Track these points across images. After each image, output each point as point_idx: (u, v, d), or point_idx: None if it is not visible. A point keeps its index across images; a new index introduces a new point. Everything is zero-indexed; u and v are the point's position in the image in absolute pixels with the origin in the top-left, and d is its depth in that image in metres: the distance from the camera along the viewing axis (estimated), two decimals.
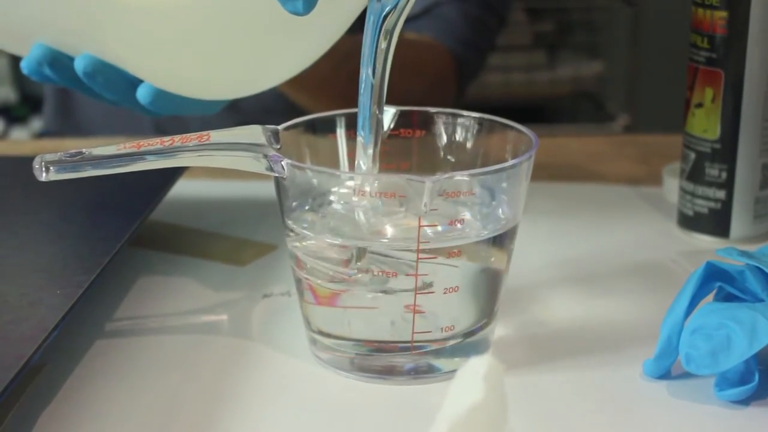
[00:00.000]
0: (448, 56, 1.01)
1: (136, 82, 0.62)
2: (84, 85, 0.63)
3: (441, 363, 0.51)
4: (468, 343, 0.52)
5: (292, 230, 0.51)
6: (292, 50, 0.62)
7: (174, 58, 0.60)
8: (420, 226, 0.47)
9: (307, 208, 0.52)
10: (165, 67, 0.61)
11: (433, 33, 1.01)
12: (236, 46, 0.60)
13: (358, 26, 0.54)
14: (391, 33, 0.51)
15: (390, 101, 0.56)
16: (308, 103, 0.94)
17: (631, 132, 2.27)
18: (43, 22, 0.61)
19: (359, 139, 0.52)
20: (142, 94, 0.61)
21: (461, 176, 0.50)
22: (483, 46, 1.06)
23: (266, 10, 0.55)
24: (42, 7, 0.60)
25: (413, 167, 0.57)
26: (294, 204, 0.51)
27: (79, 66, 0.60)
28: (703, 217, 0.69)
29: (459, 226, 0.49)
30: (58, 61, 0.62)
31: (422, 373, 0.51)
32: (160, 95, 0.61)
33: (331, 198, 0.52)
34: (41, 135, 1.35)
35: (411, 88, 0.99)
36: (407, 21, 0.49)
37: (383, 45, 0.51)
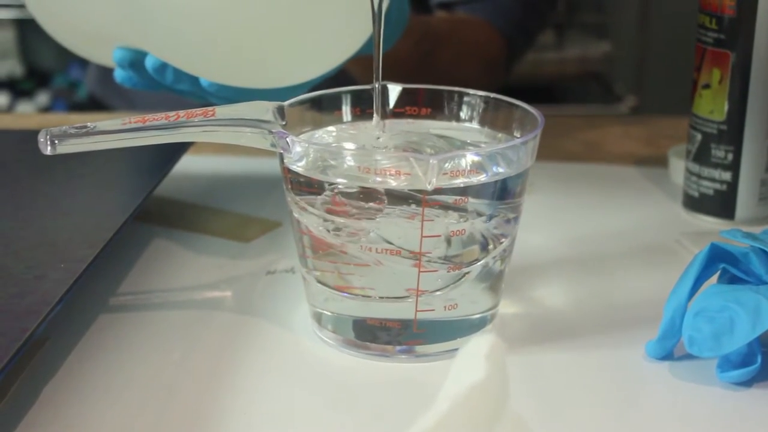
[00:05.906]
0: (500, 38, 1.02)
1: None
2: (162, 85, 0.64)
3: (443, 342, 0.51)
4: (470, 321, 0.52)
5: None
6: (339, 33, 0.62)
7: (214, 50, 0.60)
8: (424, 206, 0.47)
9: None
10: (208, 60, 0.61)
11: (485, 15, 1.01)
12: (278, 31, 0.60)
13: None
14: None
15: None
16: None
17: (638, 113, 2.26)
18: (114, 26, 0.62)
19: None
20: (204, 80, 0.62)
21: (466, 154, 0.50)
22: (533, 28, 1.06)
23: None
24: (108, 13, 0.61)
25: (418, 145, 0.57)
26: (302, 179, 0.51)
27: (149, 63, 0.62)
28: (708, 198, 0.69)
29: (463, 204, 0.49)
30: (137, 61, 0.63)
31: (424, 351, 0.51)
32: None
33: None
34: (74, 106, 1.34)
35: (466, 69, 0.99)
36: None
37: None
